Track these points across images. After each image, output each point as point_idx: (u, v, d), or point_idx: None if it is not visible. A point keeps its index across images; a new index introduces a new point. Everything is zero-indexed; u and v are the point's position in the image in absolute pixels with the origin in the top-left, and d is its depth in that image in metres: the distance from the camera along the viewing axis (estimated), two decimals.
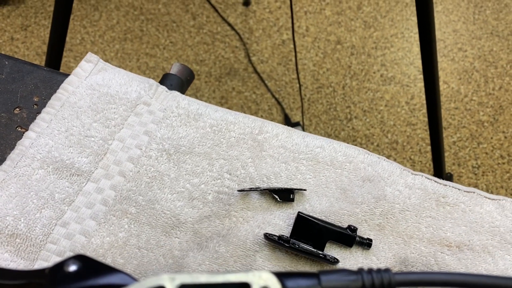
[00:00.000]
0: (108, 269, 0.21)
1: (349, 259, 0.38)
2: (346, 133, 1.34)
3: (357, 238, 0.38)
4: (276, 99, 1.39)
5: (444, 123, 1.37)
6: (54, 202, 0.38)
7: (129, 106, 0.43)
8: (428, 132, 1.37)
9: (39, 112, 0.43)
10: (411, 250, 0.38)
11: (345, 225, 0.38)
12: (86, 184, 0.39)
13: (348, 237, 0.37)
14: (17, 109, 0.43)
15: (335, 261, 0.37)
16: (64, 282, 0.20)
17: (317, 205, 0.40)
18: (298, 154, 0.42)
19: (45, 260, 0.36)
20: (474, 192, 0.41)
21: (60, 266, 0.21)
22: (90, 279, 0.21)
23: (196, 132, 0.42)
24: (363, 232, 0.39)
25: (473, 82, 1.45)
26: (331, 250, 0.38)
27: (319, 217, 0.39)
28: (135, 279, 0.21)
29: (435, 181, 0.41)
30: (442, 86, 1.44)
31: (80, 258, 0.22)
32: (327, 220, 0.39)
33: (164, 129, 0.42)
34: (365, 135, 1.34)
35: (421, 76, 1.44)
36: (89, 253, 0.36)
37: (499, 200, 0.40)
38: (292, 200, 0.39)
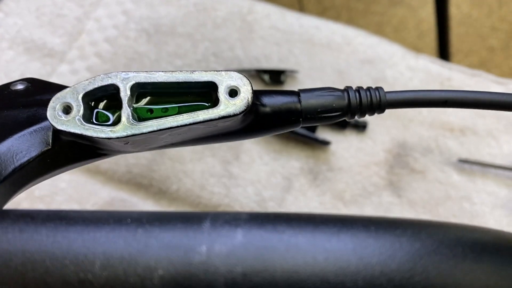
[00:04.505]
0: (59, 87, 0.19)
1: (343, 142, 0.35)
2: None
3: (352, 121, 0.35)
4: None
5: (453, 49, 1.31)
6: None
7: None
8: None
9: None
10: (411, 134, 0.35)
11: None
12: (59, 65, 0.36)
13: None
14: None
15: (327, 143, 0.34)
16: (8, 99, 0.18)
17: None
18: (292, 35, 0.38)
19: None
20: (480, 76, 0.37)
21: (6, 86, 0.19)
22: (37, 96, 0.18)
23: (178, 11, 0.38)
24: None
25: (486, 5, 1.37)
26: (324, 133, 0.35)
27: None
28: None
29: (440, 64, 0.38)
30: (452, 10, 1.36)
31: (29, 80, 0.20)
32: None
33: (143, 8, 0.38)
34: None
35: None
36: None
37: (507, 83, 0.37)
38: (282, 82, 0.36)
